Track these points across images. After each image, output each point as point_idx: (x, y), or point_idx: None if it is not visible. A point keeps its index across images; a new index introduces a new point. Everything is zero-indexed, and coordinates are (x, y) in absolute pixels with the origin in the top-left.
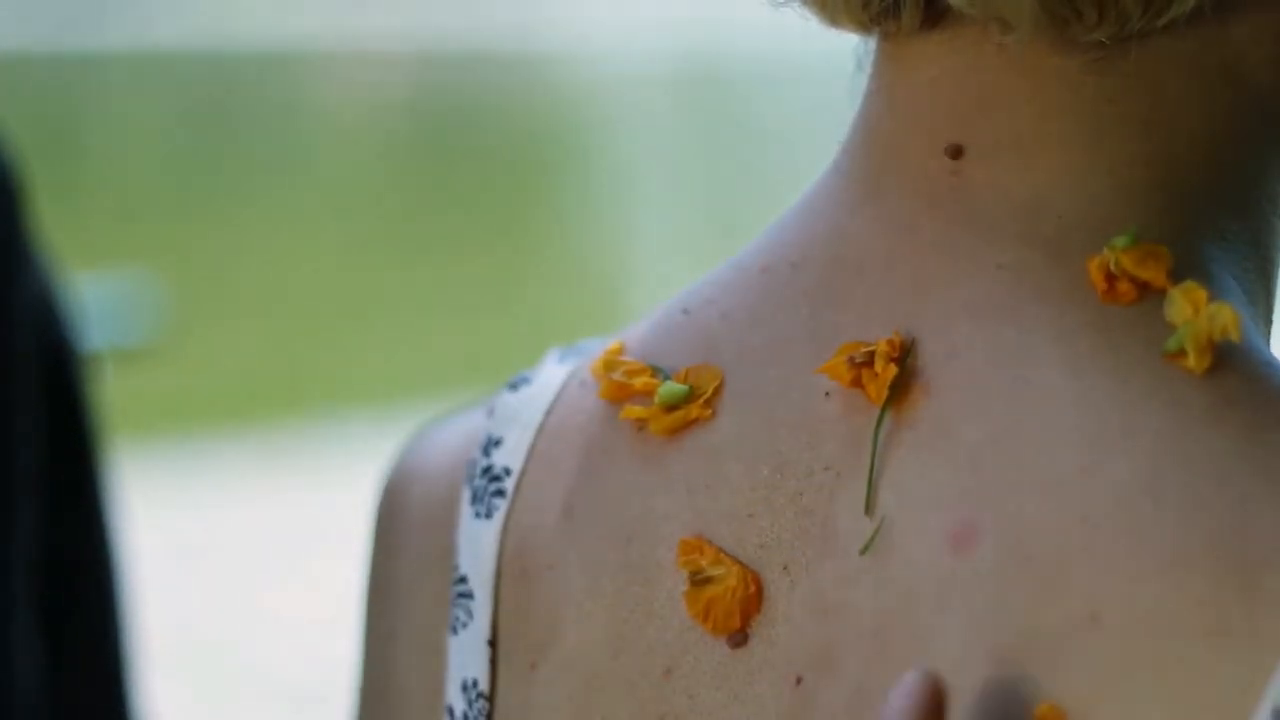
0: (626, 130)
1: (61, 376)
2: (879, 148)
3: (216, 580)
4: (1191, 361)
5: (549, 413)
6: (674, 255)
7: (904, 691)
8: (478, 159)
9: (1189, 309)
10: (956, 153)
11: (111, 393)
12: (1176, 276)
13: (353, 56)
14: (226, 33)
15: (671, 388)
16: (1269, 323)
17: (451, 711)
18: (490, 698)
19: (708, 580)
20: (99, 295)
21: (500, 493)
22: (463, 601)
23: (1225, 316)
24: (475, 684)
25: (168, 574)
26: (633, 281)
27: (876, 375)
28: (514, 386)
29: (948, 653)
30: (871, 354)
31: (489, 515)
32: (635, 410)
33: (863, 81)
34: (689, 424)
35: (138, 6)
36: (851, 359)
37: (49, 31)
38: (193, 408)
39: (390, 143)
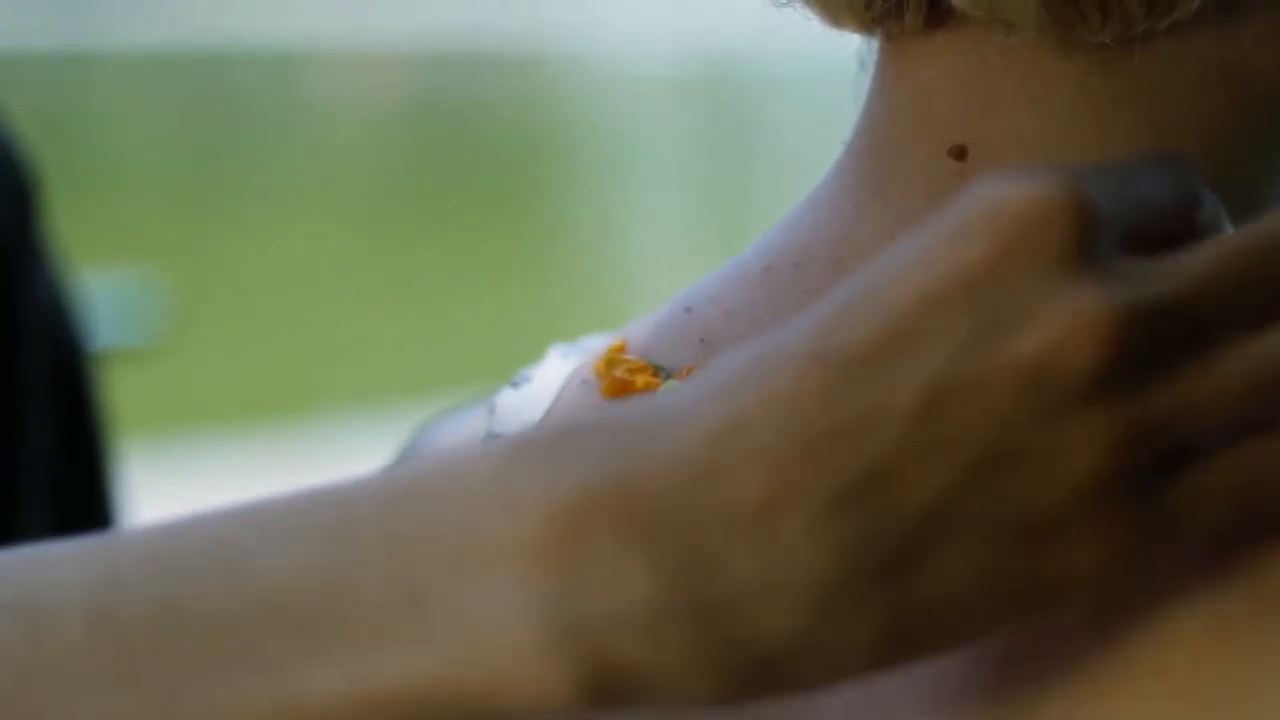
0: (629, 131)
1: (71, 375)
2: (883, 149)
3: None
4: None
5: (551, 411)
6: (677, 255)
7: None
8: (479, 160)
9: None
10: (960, 154)
11: (110, 392)
12: None
13: (353, 57)
14: (226, 33)
15: (674, 387)
16: None
17: None
18: None
19: None
20: (99, 295)
21: None
22: None
23: None
24: None
25: None
26: (636, 282)
27: None
28: (515, 384)
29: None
30: None
31: None
32: None
33: (866, 82)
34: None
35: (138, 6)
36: None
37: (49, 31)
38: (193, 407)
39: (391, 143)
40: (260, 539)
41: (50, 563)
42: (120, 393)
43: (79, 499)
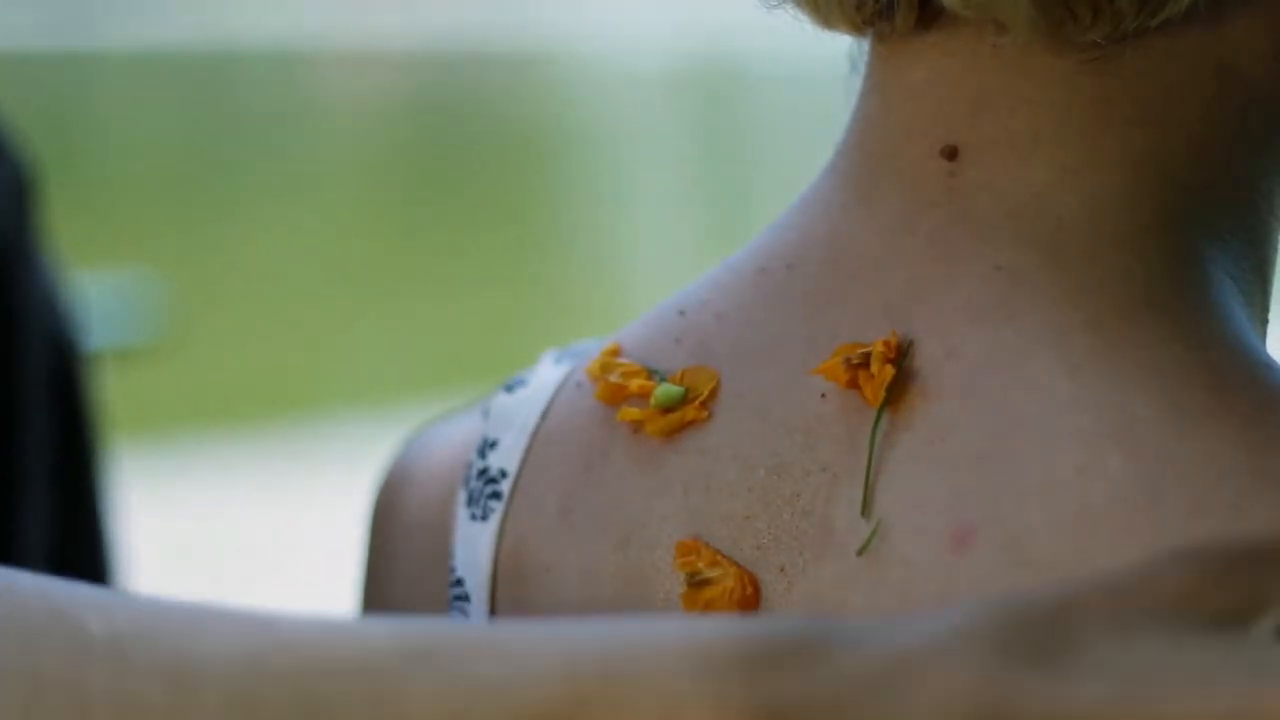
0: (626, 130)
1: (66, 375)
2: (874, 149)
3: (213, 579)
4: None
5: (545, 415)
6: (673, 255)
7: None
8: (478, 159)
9: None
10: (952, 154)
11: (111, 392)
12: (1173, 277)
13: (353, 56)
14: (226, 33)
15: (667, 389)
16: (1265, 322)
17: None
18: None
19: (705, 582)
20: (99, 294)
21: (496, 495)
22: (459, 604)
23: None
24: None
25: (165, 572)
26: (632, 282)
27: (873, 376)
28: (509, 388)
29: None
30: (868, 355)
31: (485, 518)
32: (631, 412)
33: (858, 83)
34: (685, 426)
35: (137, 6)
36: (848, 360)
37: (49, 31)
38: (192, 407)
39: (391, 143)
40: (414, 674)
41: (205, 633)
42: (120, 393)
43: (72, 498)
